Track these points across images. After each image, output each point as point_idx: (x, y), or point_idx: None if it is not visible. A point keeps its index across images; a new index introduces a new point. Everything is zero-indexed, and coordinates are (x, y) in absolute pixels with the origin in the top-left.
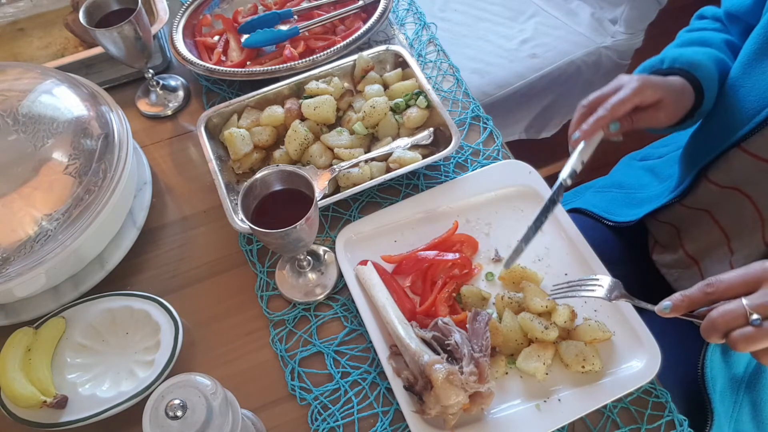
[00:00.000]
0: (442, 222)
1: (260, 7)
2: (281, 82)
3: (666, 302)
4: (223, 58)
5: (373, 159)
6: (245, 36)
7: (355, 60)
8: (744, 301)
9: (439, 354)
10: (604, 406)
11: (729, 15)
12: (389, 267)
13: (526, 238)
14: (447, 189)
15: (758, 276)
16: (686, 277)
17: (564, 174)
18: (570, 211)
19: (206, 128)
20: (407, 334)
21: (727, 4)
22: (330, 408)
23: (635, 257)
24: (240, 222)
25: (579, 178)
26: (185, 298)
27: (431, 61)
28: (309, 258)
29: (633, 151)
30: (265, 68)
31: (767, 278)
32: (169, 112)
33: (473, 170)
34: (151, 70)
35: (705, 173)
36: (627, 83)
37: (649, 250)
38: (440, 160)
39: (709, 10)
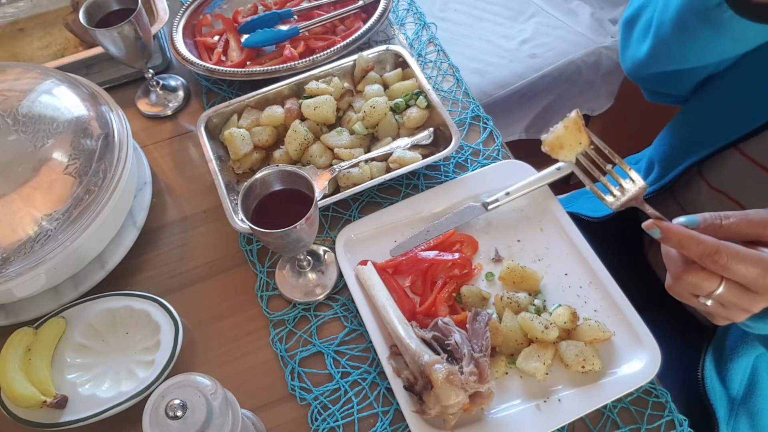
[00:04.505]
0: None
1: (260, 7)
2: (281, 82)
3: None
4: (223, 58)
5: (373, 159)
6: (245, 36)
7: (355, 60)
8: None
9: (439, 354)
10: (604, 406)
11: None
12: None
13: None
14: (447, 189)
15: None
16: None
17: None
18: None
19: (206, 128)
20: (407, 334)
21: None
22: (330, 408)
23: (631, 260)
24: (240, 222)
25: (578, 179)
26: (185, 298)
27: (431, 61)
28: (309, 258)
29: (631, 155)
30: (265, 68)
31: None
32: (169, 112)
33: (473, 170)
34: (151, 70)
35: (699, 169)
36: None
37: (644, 251)
38: (440, 160)
39: None
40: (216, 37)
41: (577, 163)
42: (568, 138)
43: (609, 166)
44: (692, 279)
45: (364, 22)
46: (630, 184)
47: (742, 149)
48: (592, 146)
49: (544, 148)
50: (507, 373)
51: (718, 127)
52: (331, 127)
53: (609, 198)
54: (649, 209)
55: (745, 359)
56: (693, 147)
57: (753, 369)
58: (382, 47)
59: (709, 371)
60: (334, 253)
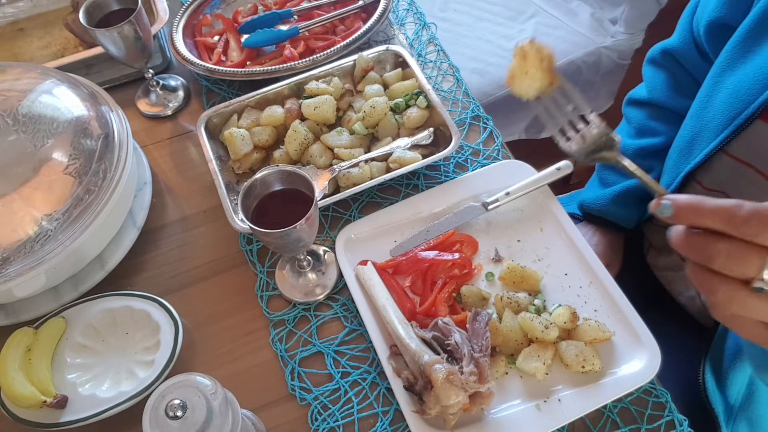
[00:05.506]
0: None
1: (260, 7)
2: (281, 82)
3: (666, 201)
4: (223, 58)
5: (373, 159)
6: (245, 36)
7: (355, 60)
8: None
9: (439, 354)
10: (604, 406)
11: (713, 25)
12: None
13: None
14: (447, 189)
15: None
16: (679, 279)
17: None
18: None
19: (206, 128)
20: (407, 334)
21: (708, 14)
22: (330, 408)
23: (630, 260)
24: (240, 222)
25: (578, 179)
26: (185, 298)
27: (431, 61)
28: (309, 258)
29: None
30: (265, 68)
31: None
32: (169, 112)
33: (473, 170)
34: (151, 70)
35: (693, 176)
36: None
37: (644, 252)
38: (440, 160)
39: (637, 93)
40: (216, 37)
41: (540, 103)
42: (533, 58)
43: (570, 107)
44: (727, 249)
45: (364, 22)
46: (587, 128)
47: (728, 151)
48: (556, 85)
49: (507, 81)
50: (507, 373)
51: (705, 132)
52: (331, 127)
53: (565, 143)
54: (624, 160)
55: (742, 373)
56: (688, 153)
57: (751, 377)
58: (382, 47)
59: (708, 377)
60: (334, 253)
